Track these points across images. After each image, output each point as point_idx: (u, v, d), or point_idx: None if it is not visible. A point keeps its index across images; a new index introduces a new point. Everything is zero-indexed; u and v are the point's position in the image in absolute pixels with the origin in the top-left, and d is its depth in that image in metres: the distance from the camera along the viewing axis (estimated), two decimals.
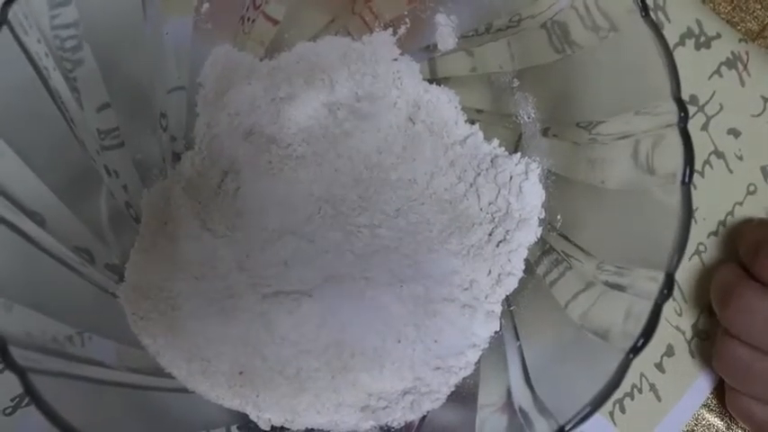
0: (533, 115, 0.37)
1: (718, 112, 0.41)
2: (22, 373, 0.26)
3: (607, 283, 0.32)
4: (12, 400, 0.36)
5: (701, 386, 0.39)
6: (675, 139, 0.30)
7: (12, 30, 0.28)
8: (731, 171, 0.41)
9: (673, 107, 0.30)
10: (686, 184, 0.29)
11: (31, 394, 0.26)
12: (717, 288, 0.37)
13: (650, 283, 0.29)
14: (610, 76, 0.34)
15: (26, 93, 0.30)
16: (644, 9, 0.31)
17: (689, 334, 0.40)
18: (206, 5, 0.36)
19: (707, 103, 0.41)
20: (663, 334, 0.40)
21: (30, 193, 0.30)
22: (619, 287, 0.31)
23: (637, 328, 0.29)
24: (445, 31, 0.38)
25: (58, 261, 0.31)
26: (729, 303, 0.36)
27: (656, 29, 0.30)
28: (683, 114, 0.30)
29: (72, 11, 0.31)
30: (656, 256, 0.29)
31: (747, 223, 0.40)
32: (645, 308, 0.29)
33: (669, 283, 0.28)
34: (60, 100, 0.31)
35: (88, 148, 0.33)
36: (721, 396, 0.39)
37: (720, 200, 0.41)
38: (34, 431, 0.36)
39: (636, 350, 0.28)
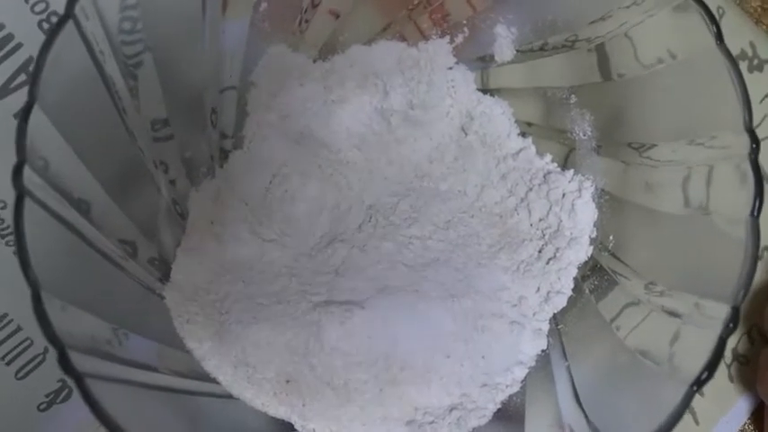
0: (589, 132, 0.37)
1: None
2: (78, 378, 0.25)
3: (663, 309, 0.31)
4: (47, 396, 0.35)
5: (740, 411, 0.39)
6: (741, 170, 0.30)
7: (74, 17, 0.28)
8: None
9: (744, 138, 0.29)
10: (755, 216, 0.29)
11: (87, 399, 0.25)
12: None
13: (709, 313, 0.29)
14: (672, 100, 0.33)
15: (80, 80, 0.30)
16: (719, 36, 0.30)
17: (728, 358, 0.40)
18: (264, 4, 0.35)
19: (757, 126, 0.41)
20: None
21: (77, 181, 0.29)
22: (674, 314, 0.31)
23: (695, 360, 0.28)
24: (504, 43, 0.37)
25: (101, 254, 0.30)
26: None
27: (731, 57, 0.30)
28: (754, 146, 0.29)
29: None
30: (717, 287, 0.29)
31: None
32: (704, 338, 0.29)
33: (735, 317, 0.28)
34: (114, 88, 0.31)
35: (138, 140, 0.32)
36: (759, 422, 0.39)
37: (766, 225, 0.41)
38: (68, 427, 0.35)
39: (699, 383, 0.28)
